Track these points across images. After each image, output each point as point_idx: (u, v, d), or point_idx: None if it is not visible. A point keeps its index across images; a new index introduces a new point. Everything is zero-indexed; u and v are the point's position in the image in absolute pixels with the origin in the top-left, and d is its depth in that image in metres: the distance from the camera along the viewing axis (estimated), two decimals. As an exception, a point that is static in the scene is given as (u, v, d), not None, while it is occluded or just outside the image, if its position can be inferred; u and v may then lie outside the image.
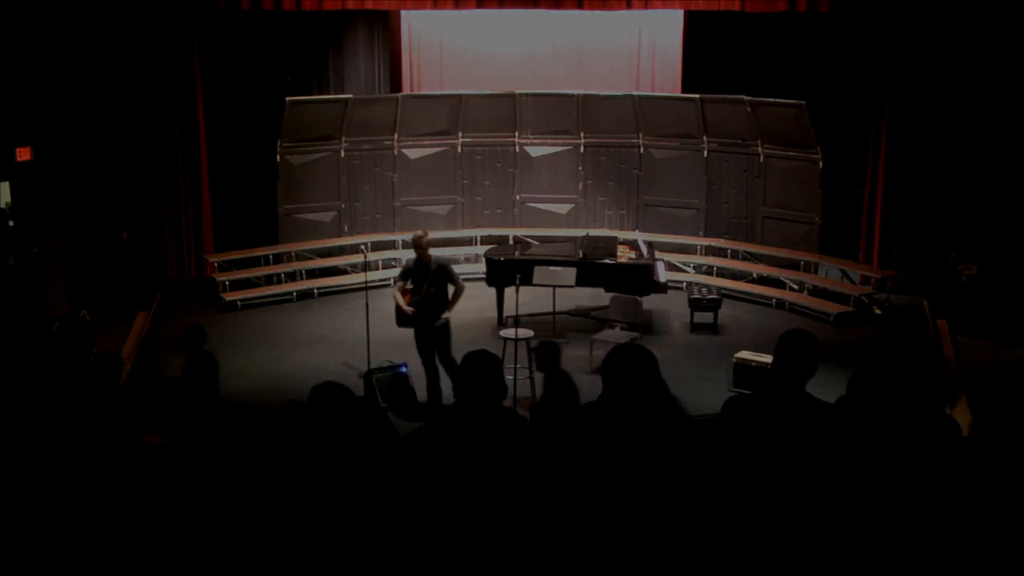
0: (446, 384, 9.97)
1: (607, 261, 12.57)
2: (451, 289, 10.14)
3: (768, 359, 10.79)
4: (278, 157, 14.67)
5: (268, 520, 3.57)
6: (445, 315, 10.14)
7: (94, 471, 4.57)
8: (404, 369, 10.71)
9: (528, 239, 14.79)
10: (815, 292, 13.78)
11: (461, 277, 10.41)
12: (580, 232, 14.14)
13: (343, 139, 15.01)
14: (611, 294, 12.29)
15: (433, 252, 10.30)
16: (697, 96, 15.06)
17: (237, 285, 13.94)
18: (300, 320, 13.31)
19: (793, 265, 14.34)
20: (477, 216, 15.63)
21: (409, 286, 10.13)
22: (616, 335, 11.71)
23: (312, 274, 14.49)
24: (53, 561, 3.97)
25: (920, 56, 13.46)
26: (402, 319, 10.23)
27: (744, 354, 11.04)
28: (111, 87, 13.74)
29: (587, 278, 12.39)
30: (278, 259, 14.62)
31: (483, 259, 13.16)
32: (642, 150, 15.39)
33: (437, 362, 10.25)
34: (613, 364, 3.75)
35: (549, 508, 3.55)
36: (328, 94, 15.32)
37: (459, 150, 15.47)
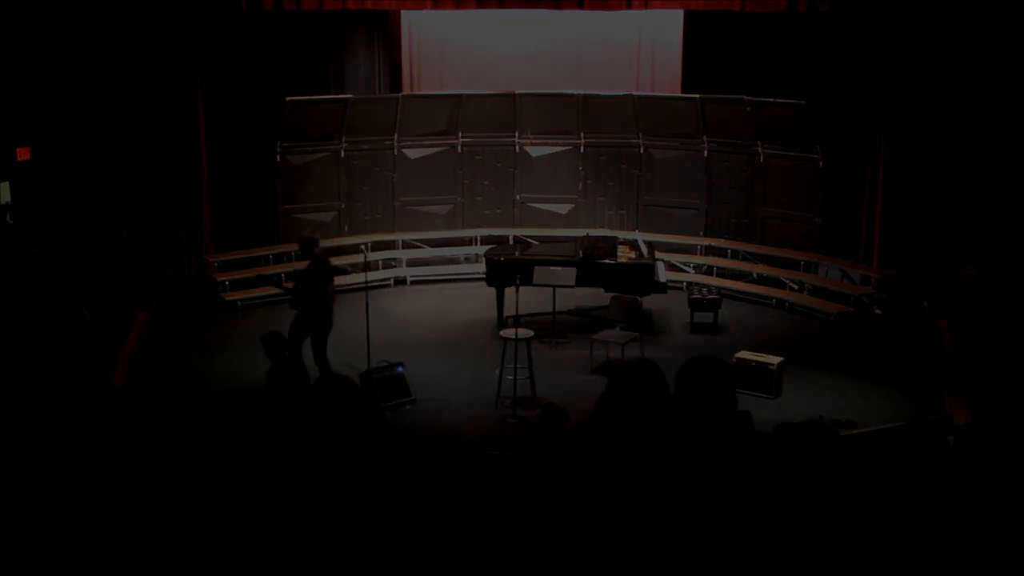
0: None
1: (607, 261, 12.57)
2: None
3: (768, 359, 10.84)
4: (278, 157, 14.68)
5: (275, 518, 3.58)
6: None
7: (99, 471, 4.57)
8: (401, 369, 10.73)
9: (528, 239, 14.79)
10: (815, 292, 13.78)
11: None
12: (580, 232, 14.14)
13: (343, 139, 15.01)
14: (611, 294, 12.28)
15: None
16: (697, 96, 15.07)
17: (237, 285, 13.94)
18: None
19: (793, 265, 14.34)
20: (477, 216, 15.63)
21: None
22: (616, 335, 11.71)
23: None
24: (54, 562, 3.97)
25: (920, 56, 13.45)
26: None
27: (744, 354, 11.04)
28: (111, 87, 13.75)
29: (587, 278, 12.39)
30: (278, 259, 14.61)
31: (483, 259, 13.16)
32: (642, 150, 15.39)
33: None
34: (691, 373, 3.67)
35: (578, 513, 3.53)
36: (328, 94, 15.32)
37: (459, 150, 15.47)
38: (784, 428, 3.59)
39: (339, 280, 14.28)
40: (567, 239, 13.78)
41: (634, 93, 15.44)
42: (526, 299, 11.43)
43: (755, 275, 14.30)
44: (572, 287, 12.26)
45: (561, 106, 15.47)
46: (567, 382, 11.21)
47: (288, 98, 14.66)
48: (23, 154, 13.04)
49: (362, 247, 14.08)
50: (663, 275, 12.74)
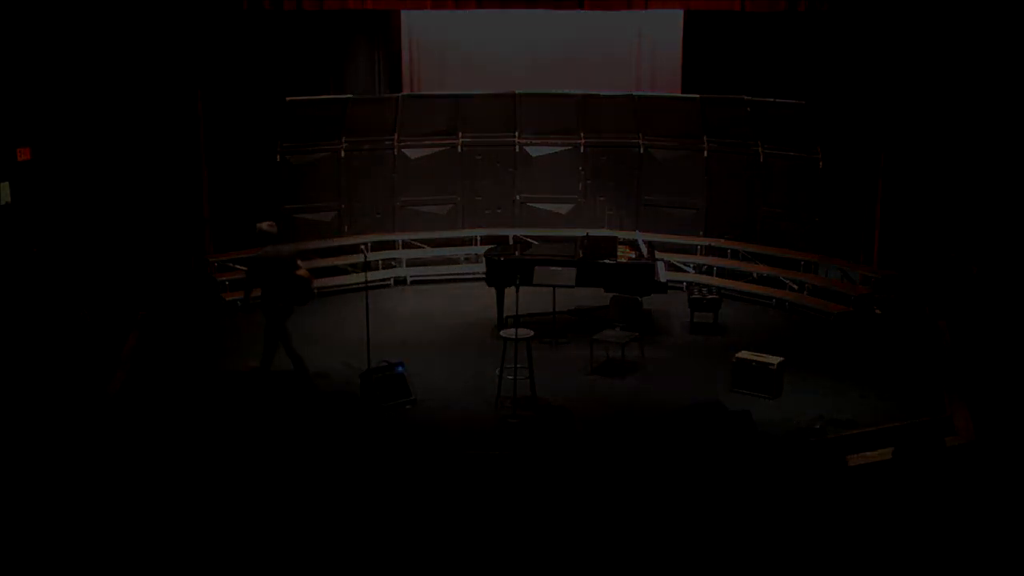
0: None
1: (607, 261, 12.56)
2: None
3: (768, 359, 10.83)
4: (278, 157, 14.68)
5: (273, 518, 3.58)
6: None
7: (97, 470, 4.57)
8: (401, 369, 10.73)
9: (528, 239, 14.79)
10: (815, 292, 13.78)
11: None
12: (580, 232, 14.13)
13: (343, 139, 15.01)
14: (611, 294, 12.29)
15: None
16: (697, 96, 15.07)
17: (237, 285, 13.93)
18: (300, 320, 13.26)
19: (793, 265, 14.34)
20: (477, 216, 15.63)
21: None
22: (616, 335, 11.71)
23: (312, 274, 14.46)
24: (52, 559, 3.98)
25: (920, 55, 13.45)
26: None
27: (744, 354, 11.04)
28: (111, 87, 13.74)
29: (587, 278, 12.38)
30: (278, 259, 14.59)
31: (483, 259, 13.16)
32: (642, 150, 15.39)
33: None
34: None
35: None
36: (328, 94, 15.31)
37: (459, 150, 15.47)
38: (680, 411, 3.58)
39: (339, 280, 14.36)
40: (567, 239, 13.78)
41: (634, 93, 15.44)
42: (526, 299, 11.43)
43: (755, 275, 14.30)
44: (572, 287, 12.26)
45: (561, 106, 15.47)
46: (567, 382, 11.23)
47: (288, 98, 14.67)
48: (23, 154, 13.02)
49: (362, 247, 14.10)
50: (663, 275, 12.74)
